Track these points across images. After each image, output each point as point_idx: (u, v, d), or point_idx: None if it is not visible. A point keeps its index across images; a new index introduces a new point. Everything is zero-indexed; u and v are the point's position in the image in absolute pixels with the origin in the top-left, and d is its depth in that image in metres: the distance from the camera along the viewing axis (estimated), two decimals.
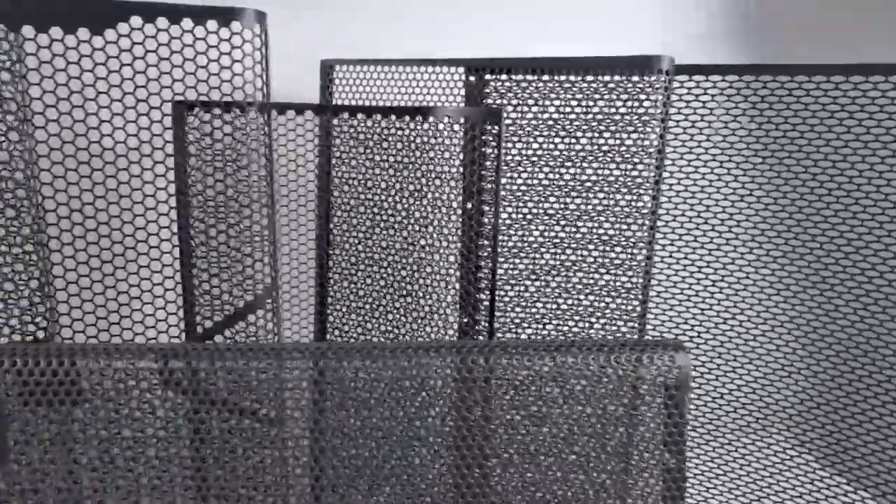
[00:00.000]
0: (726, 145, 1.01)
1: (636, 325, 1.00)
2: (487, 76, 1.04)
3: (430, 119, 0.90)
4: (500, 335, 1.09)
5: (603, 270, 1.01)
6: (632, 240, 0.98)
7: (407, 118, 0.95)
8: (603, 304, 1.01)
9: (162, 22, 0.75)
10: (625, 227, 0.98)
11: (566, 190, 1.01)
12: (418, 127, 0.94)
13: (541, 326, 1.06)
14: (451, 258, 0.97)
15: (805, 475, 1.05)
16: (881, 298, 0.95)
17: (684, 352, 0.77)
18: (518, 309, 1.06)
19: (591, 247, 1.01)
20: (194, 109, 0.84)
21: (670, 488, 0.80)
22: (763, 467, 1.08)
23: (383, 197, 1.01)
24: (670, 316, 1.10)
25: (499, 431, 0.82)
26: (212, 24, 0.76)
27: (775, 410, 1.06)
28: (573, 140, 0.99)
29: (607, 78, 0.95)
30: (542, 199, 1.03)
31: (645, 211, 0.96)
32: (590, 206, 1.00)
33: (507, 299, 1.06)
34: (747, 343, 1.06)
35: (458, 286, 0.97)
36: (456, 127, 0.93)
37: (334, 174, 1.08)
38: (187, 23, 0.76)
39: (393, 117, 0.96)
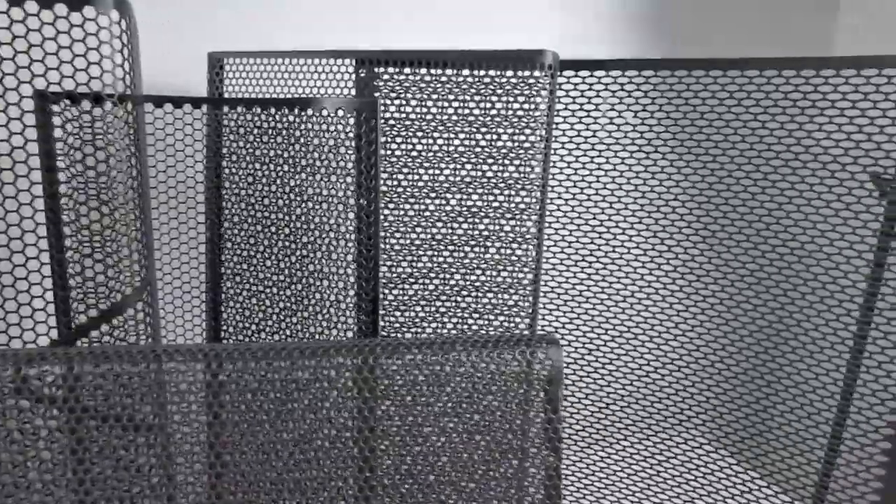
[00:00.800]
0: (611, 141, 1.02)
1: (527, 322, 1.00)
2: (378, 69, 1.02)
3: (296, 111, 0.87)
4: (388, 334, 1.07)
5: (495, 271, 1.00)
6: (520, 238, 0.98)
7: (273, 109, 0.92)
8: (497, 301, 1.01)
9: (2, 4, 0.71)
10: (516, 223, 0.98)
11: (454, 189, 1.00)
12: (296, 119, 0.92)
13: (439, 325, 1.05)
14: (337, 256, 0.95)
15: (698, 458, 1.08)
16: (750, 295, 0.98)
17: (557, 346, 0.77)
18: (416, 308, 1.05)
19: (484, 244, 1.00)
20: (60, 101, 0.79)
21: (547, 484, 0.79)
22: (657, 461, 1.10)
23: (266, 192, 0.98)
24: (564, 311, 1.11)
25: (383, 430, 0.80)
26: (61, 9, 0.72)
27: (668, 405, 1.08)
28: (453, 136, 0.98)
29: (493, 73, 0.94)
30: (432, 197, 1.01)
31: (532, 208, 0.96)
32: (480, 205, 0.99)
33: (398, 298, 1.05)
34: (623, 336, 1.07)
35: (346, 285, 0.95)
36: (337, 120, 0.91)
37: (225, 168, 1.04)
38: (31, 6, 0.71)
39: (259, 109, 0.94)
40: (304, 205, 0.93)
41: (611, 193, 1.04)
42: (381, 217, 1.02)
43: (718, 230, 0.98)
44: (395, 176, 1.01)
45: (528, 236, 0.98)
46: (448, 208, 1.01)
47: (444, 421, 0.78)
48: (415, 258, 1.02)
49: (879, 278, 0.84)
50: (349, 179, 0.95)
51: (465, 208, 1.01)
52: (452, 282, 1.02)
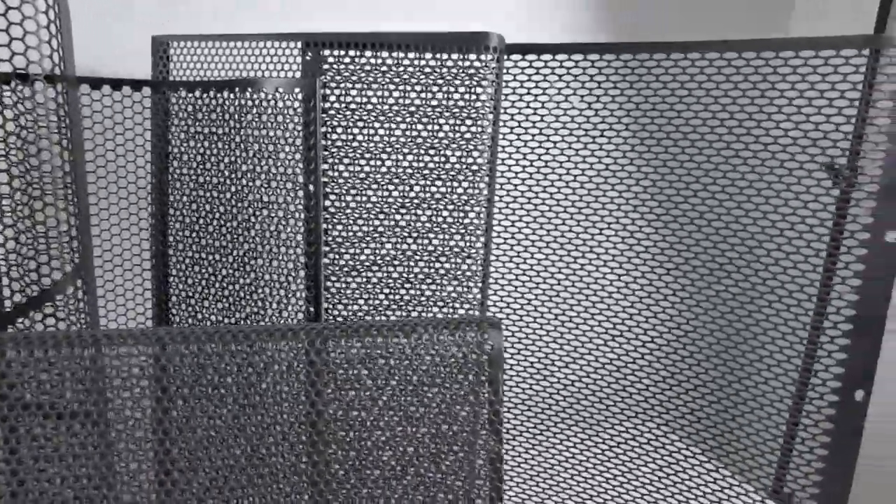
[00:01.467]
0: (559, 125, 1.01)
1: (477, 310, 0.99)
2: (325, 52, 1.00)
3: (236, 91, 0.86)
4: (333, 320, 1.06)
5: (444, 259, 0.99)
6: (470, 226, 0.97)
7: (213, 92, 0.91)
8: (444, 293, 1.00)
9: None
10: (462, 214, 0.97)
11: (402, 177, 0.99)
12: (237, 101, 0.90)
13: (386, 317, 1.04)
14: (287, 236, 0.94)
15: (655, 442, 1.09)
16: (711, 280, 0.98)
17: (497, 329, 0.76)
18: (359, 302, 1.03)
19: (430, 235, 0.99)
20: None
21: (491, 468, 0.79)
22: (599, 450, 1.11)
23: (214, 173, 0.96)
24: (515, 297, 1.11)
25: (331, 413, 0.79)
26: None
27: (620, 394, 1.08)
28: (394, 126, 0.96)
29: (440, 55, 0.93)
30: (379, 186, 1.00)
31: (476, 198, 0.95)
32: (428, 194, 0.98)
33: (342, 291, 1.03)
34: (575, 321, 1.08)
35: (296, 265, 0.94)
36: (278, 100, 0.89)
37: (172, 150, 1.02)
38: None
39: (199, 91, 0.92)
40: (250, 186, 0.92)
41: (559, 179, 1.04)
42: (323, 207, 1.00)
43: (676, 215, 0.99)
44: (335, 167, 0.99)
45: (471, 227, 0.97)
46: (391, 199, 1.00)
47: (388, 413, 0.77)
48: (357, 250, 1.01)
49: (833, 266, 0.85)
50: (298, 157, 0.93)
51: (407, 199, 1.00)
52: (395, 274, 1.00)
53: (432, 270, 1.00)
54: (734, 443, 0.99)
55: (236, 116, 0.90)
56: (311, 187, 0.93)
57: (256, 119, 0.89)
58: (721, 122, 0.92)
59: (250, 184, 0.93)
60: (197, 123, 0.96)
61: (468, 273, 0.99)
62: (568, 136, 1.01)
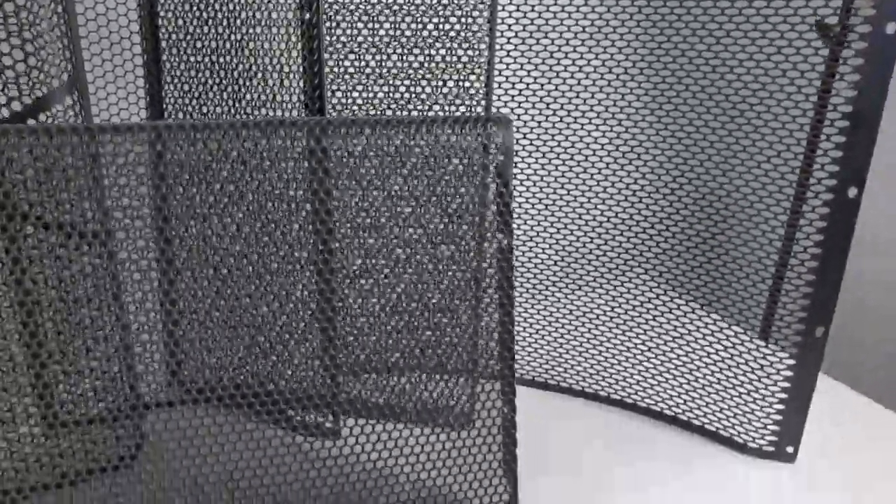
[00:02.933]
0: None
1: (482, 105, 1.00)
2: None
3: None
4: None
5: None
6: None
7: None
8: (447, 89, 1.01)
9: None
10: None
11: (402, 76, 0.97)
12: None
13: None
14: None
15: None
16: (706, 131, 0.99)
17: (508, 125, 0.77)
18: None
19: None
20: None
21: (501, 268, 0.81)
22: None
23: None
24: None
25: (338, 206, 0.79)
26: None
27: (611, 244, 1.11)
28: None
29: None
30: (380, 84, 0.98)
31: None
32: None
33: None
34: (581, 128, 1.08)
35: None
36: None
37: None
38: None
39: None
40: None
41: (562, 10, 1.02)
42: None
43: (667, 63, 0.98)
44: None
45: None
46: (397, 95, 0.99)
47: (399, 202, 0.78)
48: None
49: (820, 123, 0.86)
50: None
51: (414, 95, 1.00)
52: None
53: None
54: (724, 287, 1.02)
55: None
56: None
57: None
58: None
59: None
60: None
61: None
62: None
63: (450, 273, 0.82)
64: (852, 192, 0.86)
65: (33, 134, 0.67)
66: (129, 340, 0.85)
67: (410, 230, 0.81)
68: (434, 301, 0.85)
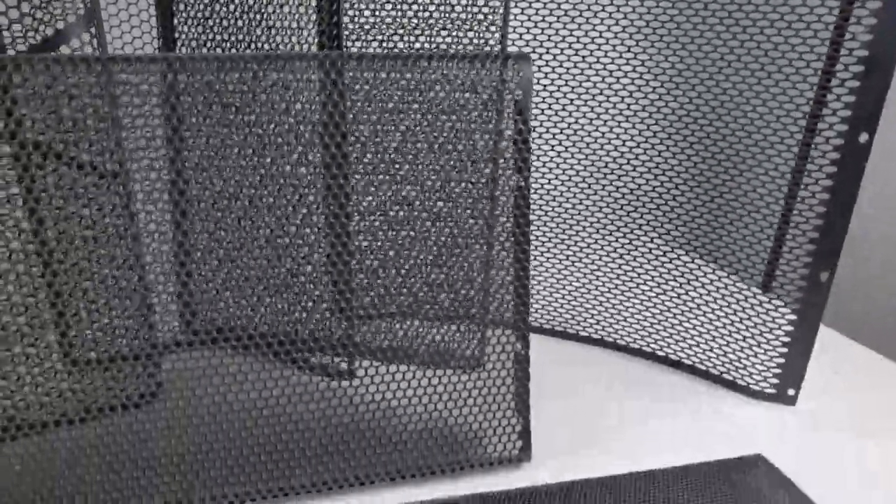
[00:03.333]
0: None
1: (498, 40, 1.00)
2: None
3: None
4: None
5: None
6: None
7: None
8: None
9: None
10: None
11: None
12: None
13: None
14: None
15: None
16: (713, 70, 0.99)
17: (528, 61, 0.77)
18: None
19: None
20: None
21: (518, 206, 0.82)
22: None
23: None
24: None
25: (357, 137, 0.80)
26: None
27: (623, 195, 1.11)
28: None
29: None
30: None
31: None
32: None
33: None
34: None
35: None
36: None
37: None
38: None
39: None
40: None
41: None
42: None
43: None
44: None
45: None
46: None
47: (417, 133, 0.79)
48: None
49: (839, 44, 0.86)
50: None
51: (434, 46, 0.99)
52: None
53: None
54: (725, 237, 1.04)
55: None
56: None
57: None
58: None
59: None
60: None
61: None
62: None
63: (464, 213, 0.83)
64: (863, 137, 0.87)
65: (49, 64, 0.67)
66: (148, 280, 0.86)
67: (422, 168, 0.82)
68: (445, 244, 0.86)
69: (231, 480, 0.80)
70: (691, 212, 1.07)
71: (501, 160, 0.80)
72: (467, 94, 0.77)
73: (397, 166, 0.82)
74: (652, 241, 1.13)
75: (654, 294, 1.14)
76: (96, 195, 0.81)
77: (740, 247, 1.03)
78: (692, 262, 1.09)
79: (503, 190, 0.81)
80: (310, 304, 0.93)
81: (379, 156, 0.82)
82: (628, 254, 1.15)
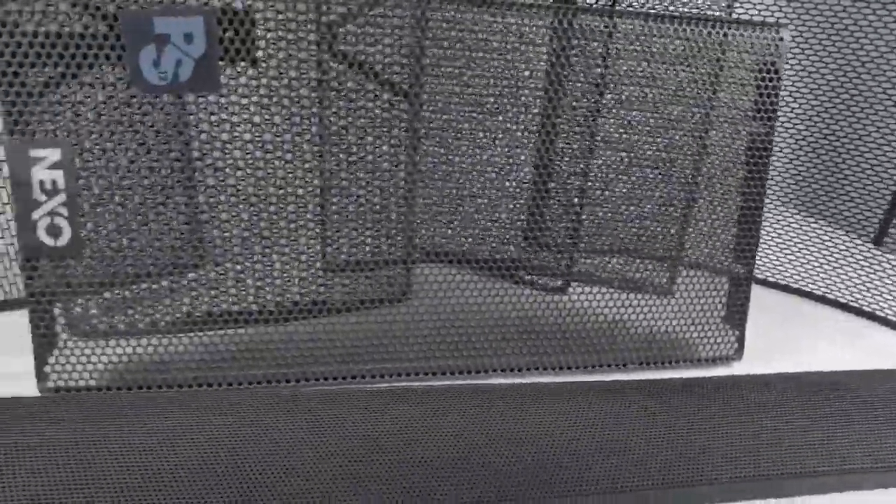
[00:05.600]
0: None
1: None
2: None
3: None
4: None
5: None
6: None
7: None
8: None
9: None
10: None
11: None
12: None
13: None
14: None
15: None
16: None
17: (786, 29, 0.90)
18: None
19: None
20: None
21: (755, 154, 0.95)
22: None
23: None
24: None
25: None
26: None
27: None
28: None
29: None
30: None
31: None
32: None
33: None
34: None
35: None
36: None
37: None
38: None
39: None
40: None
41: None
42: None
43: None
44: None
45: None
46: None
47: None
48: None
49: None
50: None
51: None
52: None
53: None
54: (842, 196, 1.17)
55: None
56: None
57: None
58: None
59: None
60: None
61: None
62: None
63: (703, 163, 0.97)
64: None
65: None
66: (410, 194, 0.98)
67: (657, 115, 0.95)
68: (672, 190, 1.00)
69: (481, 353, 0.96)
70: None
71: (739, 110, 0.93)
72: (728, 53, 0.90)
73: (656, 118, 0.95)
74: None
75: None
76: (378, 105, 0.92)
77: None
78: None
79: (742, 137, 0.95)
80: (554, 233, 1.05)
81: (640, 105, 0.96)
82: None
